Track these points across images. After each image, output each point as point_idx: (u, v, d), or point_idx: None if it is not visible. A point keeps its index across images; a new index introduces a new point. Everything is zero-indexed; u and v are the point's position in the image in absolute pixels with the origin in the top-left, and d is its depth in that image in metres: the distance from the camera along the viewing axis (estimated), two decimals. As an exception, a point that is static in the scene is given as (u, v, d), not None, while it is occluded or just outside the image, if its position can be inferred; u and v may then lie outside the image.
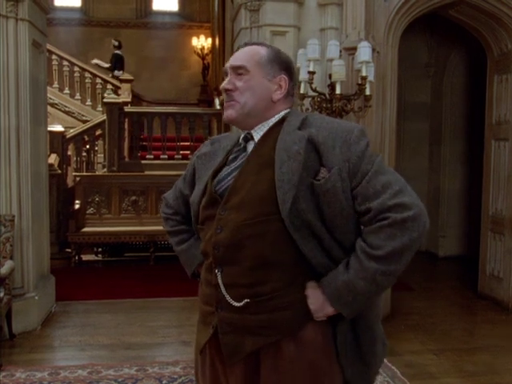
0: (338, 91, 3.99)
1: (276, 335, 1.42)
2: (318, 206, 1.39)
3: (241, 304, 1.42)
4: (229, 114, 1.52)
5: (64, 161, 7.52)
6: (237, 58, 1.54)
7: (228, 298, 1.43)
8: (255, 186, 1.43)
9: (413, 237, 1.35)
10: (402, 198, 1.36)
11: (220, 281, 1.45)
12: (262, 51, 1.53)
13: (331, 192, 1.37)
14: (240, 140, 1.56)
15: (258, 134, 1.52)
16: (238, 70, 1.51)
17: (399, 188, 1.38)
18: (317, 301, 1.42)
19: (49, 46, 6.66)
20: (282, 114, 1.54)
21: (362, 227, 1.43)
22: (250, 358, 1.45)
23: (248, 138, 1.54)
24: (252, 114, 1.51)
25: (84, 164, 7.88)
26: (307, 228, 1.39)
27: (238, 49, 1.60)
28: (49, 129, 5.58)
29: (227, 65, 1.56)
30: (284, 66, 1.55)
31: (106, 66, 9.88)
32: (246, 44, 1.60)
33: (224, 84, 1.53)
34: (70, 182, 7.59)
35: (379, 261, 1.35)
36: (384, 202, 1.36)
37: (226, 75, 1.55)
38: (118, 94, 8.92)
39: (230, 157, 1.54)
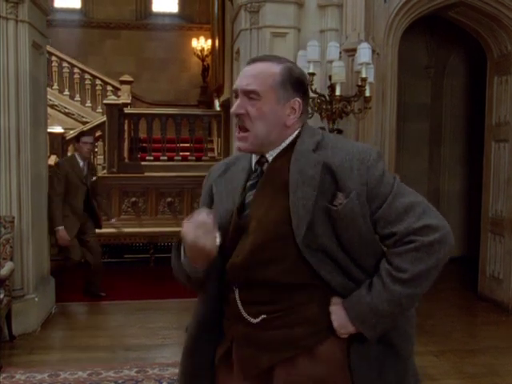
0: (337, 92, 4.00)
1: (292, 351, 1.40)
2: (334, 230, 1.36)
3: (257, 320, 1.40)
4: (242, 146, 1.45)
5: (64, 162, 7.51)
6: (248, 81, 1.42)
7: (244, 314, 1.42)
8: (270, 210, 1.40)
9: (439, 258, 1.35)
10: (427, 219, 1.35)
11: (237, 296, 1.43)
12: (275, 71, 1.43)
13: (349, 217, 1.34)
14: (253, 165, 1.50)
15: (271, 156, 1.47)
16: (250, 95, 1.42)
17: (422, 210, 1.36)
18: (340, 319, 1.39)
19: (49, 48, 6.66)
20: (296, 133, 1.47)
21: (386, 248, 1.41)
22: (264, 372, 1.43)
23: (263, 161, 1.48)
24: (266, 143, 1.45)
25: (84, 165, 7.87)
26: (324, 252, 1.36)
27: (248, 64, 1.48)
28: (49, 130, 5.58)
29: (237, 86, 1.45)
30: (297, 85, 1.45)
31: None
32: (255, 60, 1.48)
33: (234, 108, 1.44)
34: (69, 184, 7.57)
35: (405, 284, 1.34)
36: (409, 225, 1.34)
37: (236, 96, 1.46)
38: (118, 96, 8.92)
39: (248, 184, 1.49)
